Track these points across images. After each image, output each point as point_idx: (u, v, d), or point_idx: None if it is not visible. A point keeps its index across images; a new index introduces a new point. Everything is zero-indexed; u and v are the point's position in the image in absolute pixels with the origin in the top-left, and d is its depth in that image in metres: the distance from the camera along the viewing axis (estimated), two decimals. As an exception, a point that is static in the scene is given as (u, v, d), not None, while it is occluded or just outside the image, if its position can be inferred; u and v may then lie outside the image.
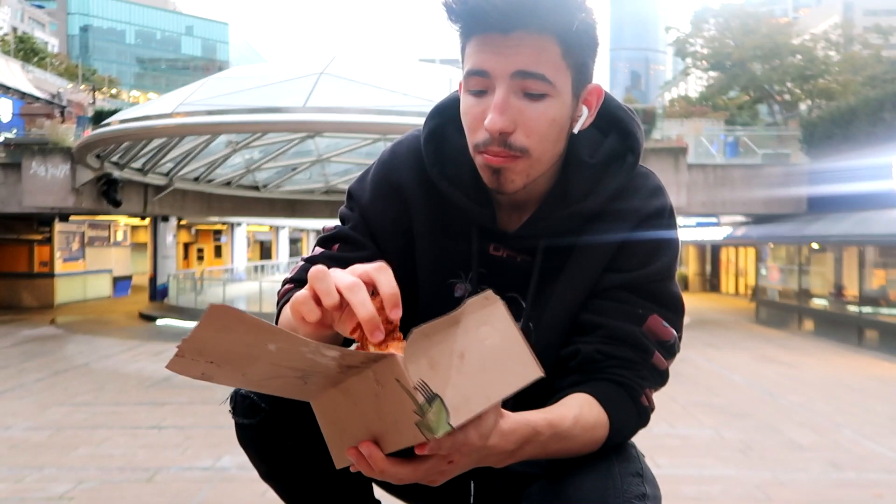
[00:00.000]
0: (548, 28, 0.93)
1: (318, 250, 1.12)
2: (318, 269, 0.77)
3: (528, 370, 0.77)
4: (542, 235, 1.05)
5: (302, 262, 1.13)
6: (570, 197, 1.03)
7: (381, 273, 0.78)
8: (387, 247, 1.11)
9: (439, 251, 1.09)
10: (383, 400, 0.72)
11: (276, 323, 1.05)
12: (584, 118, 1.02)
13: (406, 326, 1.00)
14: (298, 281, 1.09)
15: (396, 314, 0.76)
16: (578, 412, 0.93)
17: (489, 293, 0.78)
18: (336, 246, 1.11)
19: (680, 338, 1.08)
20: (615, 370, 1.01)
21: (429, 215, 1.10)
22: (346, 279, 0.76)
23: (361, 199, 1.13)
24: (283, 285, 1.12)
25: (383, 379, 0.70)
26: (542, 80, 0.93)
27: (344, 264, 1.00)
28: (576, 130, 1.01)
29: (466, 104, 0.99)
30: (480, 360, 0.74)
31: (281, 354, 0.70)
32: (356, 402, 0.75)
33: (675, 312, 1.06)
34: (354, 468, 0.79)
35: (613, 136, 1.07)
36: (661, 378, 1.06)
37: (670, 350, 1.05)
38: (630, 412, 1.01)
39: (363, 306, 0.74)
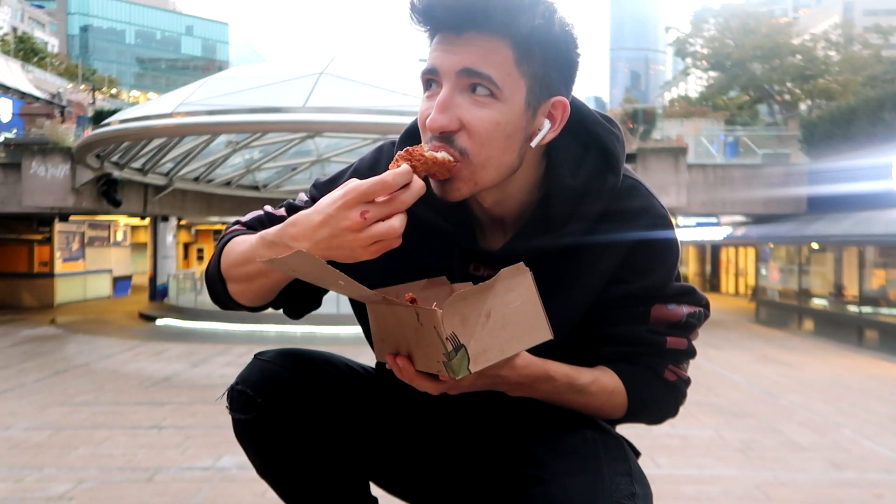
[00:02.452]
0: (501, 31, 0.92)
1: (278, 210, 1.14)
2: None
3: (541, 332, 0.93)
4: (525, 258, 1.02)
5: (260, 213, 1.14)
6: (551, 221, 1.02)
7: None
8: None
9: (420, 269, 1.07)
10: (422, 335, 0.89)
11: (220, 255, 1.08)
12: (545, 132, 0.98)
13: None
14: (248, 227, 1.11)
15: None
16: (599, 375, 1.02)
17: (521, 265, 0.91)
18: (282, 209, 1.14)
19: (707, 306, 1.10)
20: (632, 359, 1.07)
21: (408, 235, 1.08)
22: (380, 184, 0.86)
23: (326, 185, 1.13)
24: (231, 225, 1.13)
25: (425, 322, 0.87)
26: (489, 82, 0.92)
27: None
28: (533, 144, 0.98)
29: (421, 106, 0.98)
30: (503, 320, 0.90)
31: (349, 288, 0.91)
32: (401, 325, 0.92)
33: (678, 296, 1.08)
34: (389, 366, 0.94)
35: (594, 155, 1.04)
36: (685, 354, 1.09)
37: (686, 327, 1.07)
38: (651, 385, 1.06)
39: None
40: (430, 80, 0.96)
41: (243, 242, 1.03)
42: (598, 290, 1.05)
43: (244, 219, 1.13)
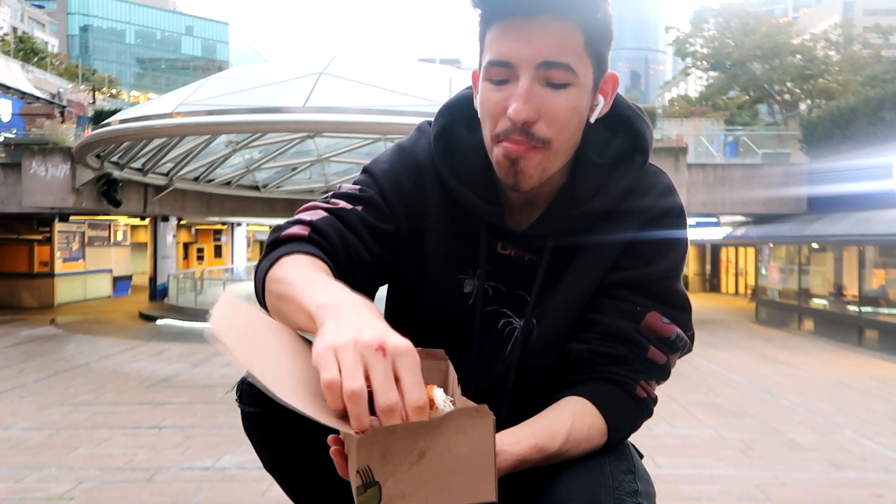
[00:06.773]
0: (572, 15, 0.92)
1: (345, 205, 1.05)
2: (359, 414, 0.69)
3: (483, 491, 0.74)
4: (551, 235, 1.05)
5: (325, 204, 1.04)
6: (578, 197, 1.03)
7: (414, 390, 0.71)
8: (399, 225, 1.08)
9: (449, 247, 1.09)
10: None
11: (266, 273, 0.98)
12: (601, 107, 1.01)
13: (410, 314, 1.10)
14: (311, 240, 0.98)
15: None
16: (570, 426, 0.93)
17: (483, 408, 0.74)
18: (361, 208, 1.05)
19: (691, 337, 1.07)
20: (606, 368, 1.01)
21: (440, 211, 1.09)
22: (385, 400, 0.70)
23: (378, 171, 1.09)
24: (284, 229, 1.00)
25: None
26: (567, 70, 0.92)
27: (373, 232, 1.02)
28: (592, 119, 1.00)
29: (486, 92, 0.96)
30: (438, 465, 0.73)
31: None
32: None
33: (677, 310, 1.05)
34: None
35: (622, 136, 1.06)
36: (660, 371, 1.05)
37: (671, 346, 1.04)
38: (627, 407, 1.01)
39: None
40: (500, 69, 0.94)
41: (291, 275, 0.93)
42: (607, 268, 1.04)
43: (292, 231, 0.99)
